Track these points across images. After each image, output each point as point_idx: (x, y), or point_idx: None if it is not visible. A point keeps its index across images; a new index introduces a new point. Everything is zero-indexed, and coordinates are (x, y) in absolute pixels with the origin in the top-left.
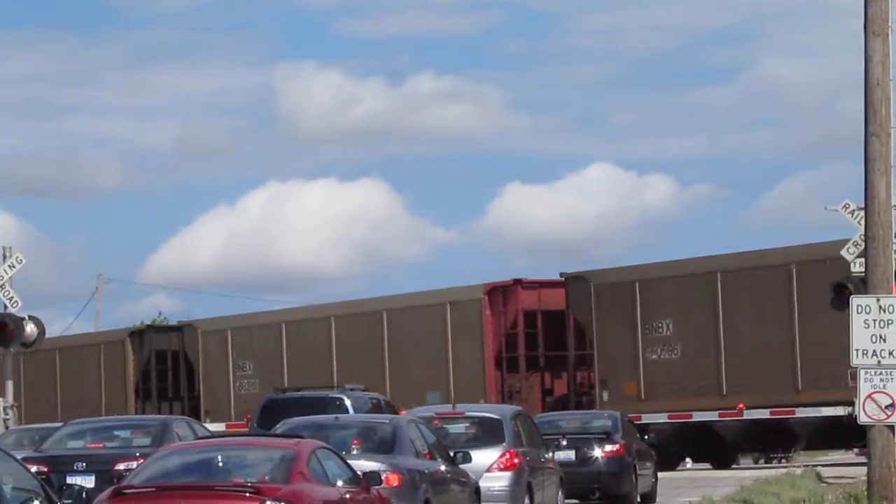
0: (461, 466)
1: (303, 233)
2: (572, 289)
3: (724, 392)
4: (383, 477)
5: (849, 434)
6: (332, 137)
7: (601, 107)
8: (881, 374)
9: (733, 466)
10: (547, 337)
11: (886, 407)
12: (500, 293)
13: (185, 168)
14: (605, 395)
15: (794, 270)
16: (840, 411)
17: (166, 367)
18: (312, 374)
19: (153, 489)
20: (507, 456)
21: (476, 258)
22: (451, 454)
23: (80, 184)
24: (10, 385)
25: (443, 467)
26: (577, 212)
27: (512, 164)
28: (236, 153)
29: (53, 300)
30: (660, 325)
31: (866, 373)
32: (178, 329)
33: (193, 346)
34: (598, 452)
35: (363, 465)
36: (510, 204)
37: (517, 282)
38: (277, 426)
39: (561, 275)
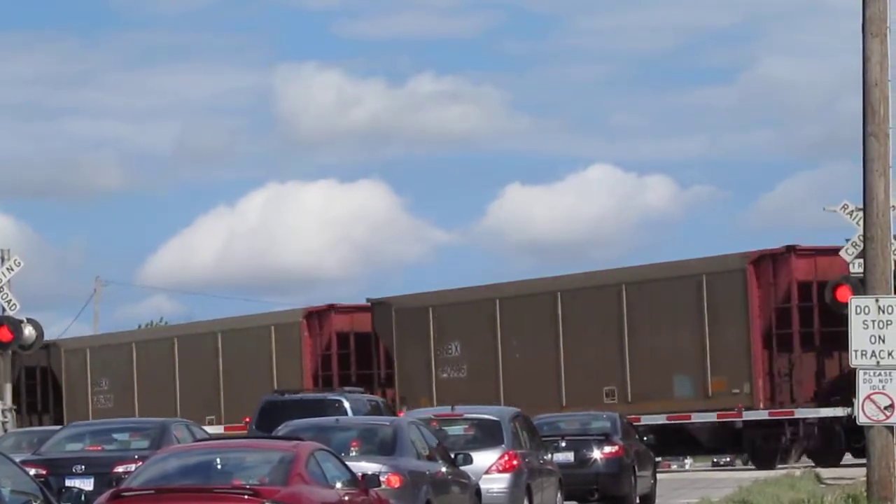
0: (462, 468)
1: (302, 234)
2: (377, 313)
3: None
4: (385, 478)
5: None
6: (332, 139)
7: (601, 108)
8: (880, 375)
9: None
10: (358, 357)
11: (885, 408)
12: (316, 318)
13: (185, 169)
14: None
15: (560, 297)
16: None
17: (35, 382)
18: (158, 394)
19: (152, 492)
20: (506, 458)
21: (475, 259)
22: (452, 456)
23: (79, 185)
24: (8, 388)
25: (444, 469)
26: (577, 213)
27: (512, 165)
28: (236, 154)
29: (53, 302)
30: (450, 347)
31: (865, 374)
32: (45, 347)
33: (57, 363)
34: (596, 454)
35: (364, 466)
36: (510, 205)
37: (331, 307)
38: (279, 428)
39: (367, 300)
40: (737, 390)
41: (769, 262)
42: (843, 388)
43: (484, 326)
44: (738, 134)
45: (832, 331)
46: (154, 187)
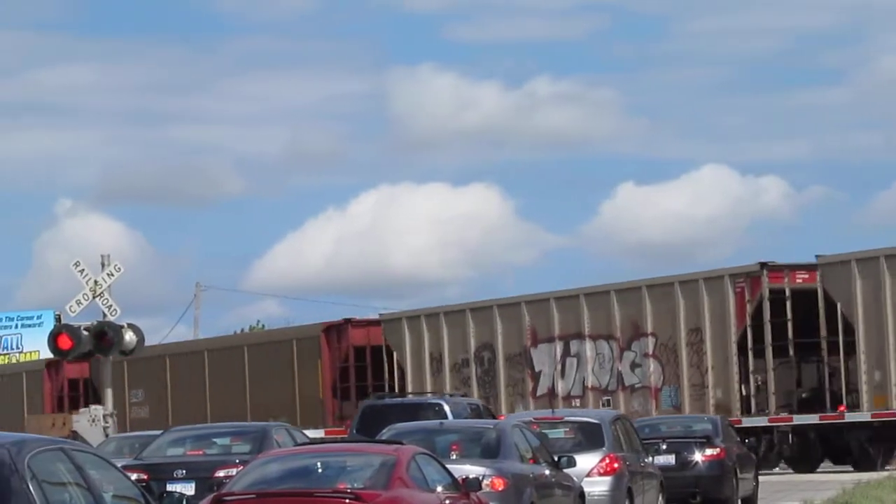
0: (565, 471)
1: (412, 237)
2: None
3: None
4: (488, 482)
5: None
6: (446, 141)
7: (710, 109)
8: None
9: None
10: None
11: None
12: (334, 331)
13: (295, 174)
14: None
15: (207, 355)
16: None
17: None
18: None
19: (253, 496)
20: (607, 461)
21: (583, 262)
22: (556, 458)
23: (189, 191)
24: (109, 392)
25: (547, 471)
26: (687, 214)
27: (623, 167)
28: (347, 158)
29: (161, 308)
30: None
31: None
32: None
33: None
34: (698, 456)
35: (468, 469)
36: (622, 205)
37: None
38: (383, 432)
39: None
40: None
41: (334, 331)
42: None
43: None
44: (850, 134)
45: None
46: (264, 192)
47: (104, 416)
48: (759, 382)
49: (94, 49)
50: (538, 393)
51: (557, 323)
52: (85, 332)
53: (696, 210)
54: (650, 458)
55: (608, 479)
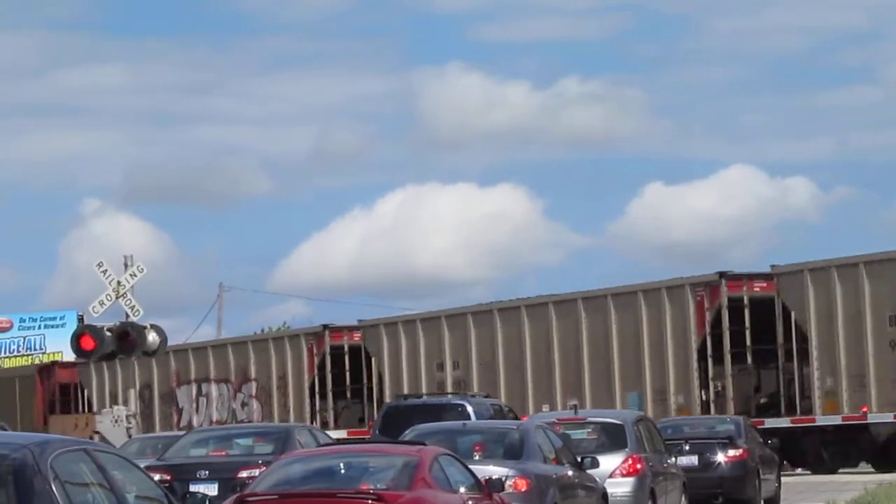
0: (588, 472)
1: (438, 237)
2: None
3: None
4: (511, 482)
5: None
6: (473, 140)
7: (736, 109)
8: None
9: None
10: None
11: None
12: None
13: (321, 174)
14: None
15: None
16: None
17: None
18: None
19: (276, 497)
20: (630, 461)
21: (609, 262)
22: (579, 459)
23: (214, 192)
24: (132, 393)
25: (570, 472)
26: (714, 214)
27: (649, 166)
28: (373, 158)
29: (186, 308)
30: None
31: None
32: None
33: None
34: (721, 457)
35: (492, 470)
36: (649, 205)
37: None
38: (406, 432)
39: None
40: None
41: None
42: None
43: None
44: (875, 133)
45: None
46: (290, 192)
47: (127, 417)
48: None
49: (120, 49)
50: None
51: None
52: (108, 333)
53: (723, 210)
54: (673, 459)
55: (631, 479)
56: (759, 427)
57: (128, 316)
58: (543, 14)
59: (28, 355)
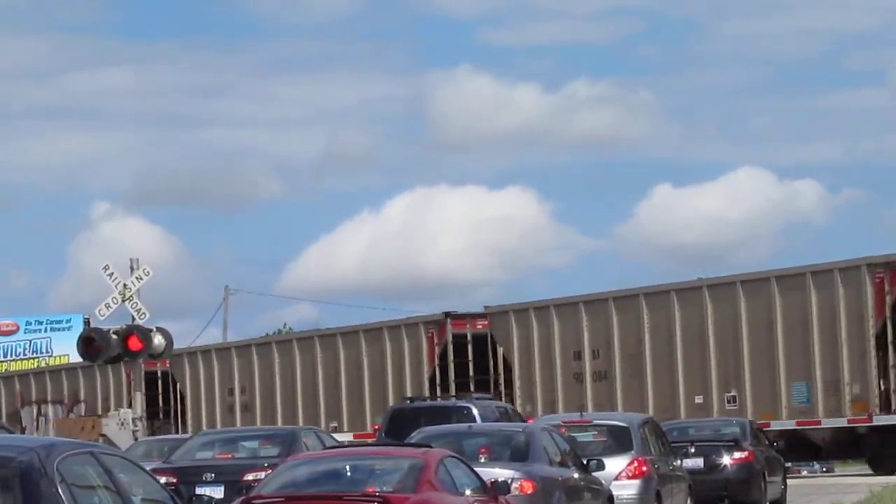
0: (594, 474)
1: (446, 239)
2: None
3: None
4: (517, 485)
5: None
6: (482, 143)
7: (745, 111)
8: None
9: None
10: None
11: None
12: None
13: (330, 176)
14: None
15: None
16: None
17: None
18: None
19: (282, 499)
20: (636, 464)
21: (617, 264)
22: (585, 462)
23: (223, 195)
24: (138, 396)
25: (576, 475)
26: (721, 216)
27: (658, 169)
28: (382, 161)
29: (198, 311)
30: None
31: None
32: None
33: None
34: (726, 460)
35: (497, 472)
36: (655, 210)
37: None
38: (412, 435)
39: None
40: None
41: None
42: None
43: None
44: (884, 136)
45: None
46: (299, 195)
47: (133, 420)
48: None
49: (130, 52)
50: None
51: None
52: (114, 336)
53: (732, 212)
54: (679, 462)
55: (637, 482)
56: None
57: (134, 319)
58: (552, 18)
59: (34, 358)
